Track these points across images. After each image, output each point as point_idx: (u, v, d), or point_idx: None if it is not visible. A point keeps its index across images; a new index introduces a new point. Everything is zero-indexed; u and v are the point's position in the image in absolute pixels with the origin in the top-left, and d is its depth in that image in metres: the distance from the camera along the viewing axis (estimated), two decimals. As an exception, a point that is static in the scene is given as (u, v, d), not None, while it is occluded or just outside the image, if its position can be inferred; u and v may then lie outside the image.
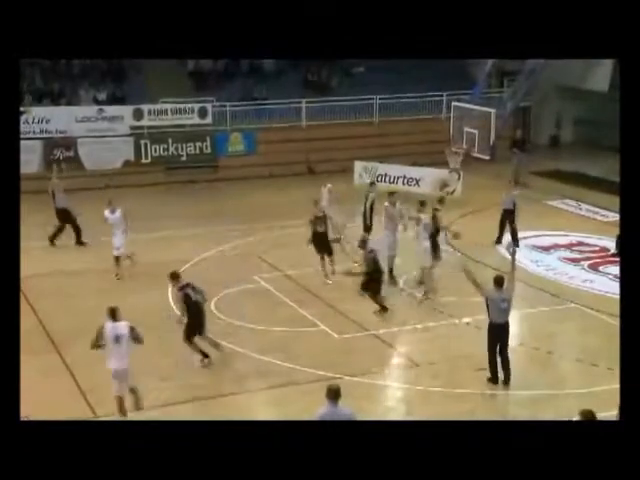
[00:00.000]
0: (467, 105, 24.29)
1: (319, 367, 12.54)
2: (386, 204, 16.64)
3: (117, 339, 10.59)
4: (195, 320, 12.65)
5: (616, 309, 14.67)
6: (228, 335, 13.71)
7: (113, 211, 16.59)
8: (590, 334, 14.30)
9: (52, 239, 18.67)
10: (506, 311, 11.92)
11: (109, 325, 10.69)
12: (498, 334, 11.97)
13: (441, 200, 16.63)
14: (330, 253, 16.27)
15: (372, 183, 19.04)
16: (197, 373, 12.56)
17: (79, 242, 18.73)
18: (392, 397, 12.31)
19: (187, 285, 12.72)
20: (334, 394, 8.57)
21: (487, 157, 23.33)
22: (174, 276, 12.79)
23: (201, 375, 12.51)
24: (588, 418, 9.05)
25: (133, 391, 10.85)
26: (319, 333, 14.03)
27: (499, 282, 11.85)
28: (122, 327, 10.70)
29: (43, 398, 11.07)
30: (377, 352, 13.63)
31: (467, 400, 11.70)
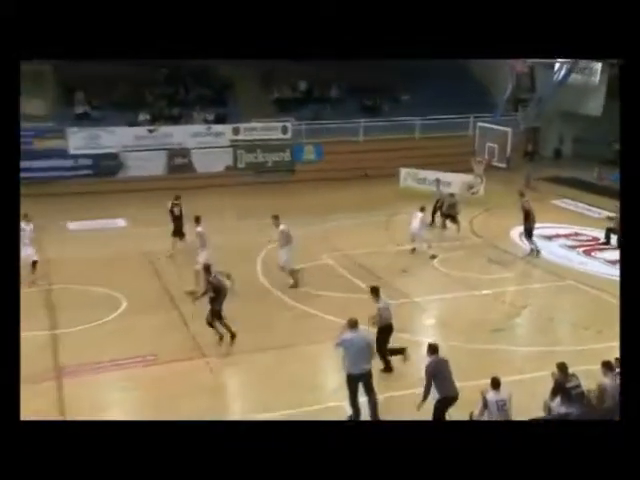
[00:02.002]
0: (489, 125, 23.90)
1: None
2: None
3: None
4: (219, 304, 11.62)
5: (604, 285, 14.56)
6: (301, 300, 13.80)
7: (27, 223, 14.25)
8: (583, 305, 14.09)
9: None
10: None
11: None
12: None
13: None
14: None
15: (452, 194, 18.75)
16: (278, 328, 12.69)
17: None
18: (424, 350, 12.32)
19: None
20: (354, 323, 9.29)
21: (504, 166, 22.95)
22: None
23: (280, 330, 12.67)
24: (562, 369, 8.81)
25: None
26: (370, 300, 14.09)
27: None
28: None
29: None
30: (414, 314, 13.67)
31: (482, 354, 11.66)
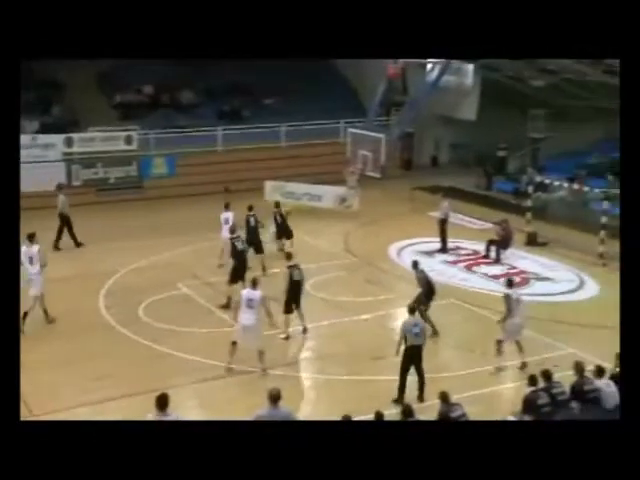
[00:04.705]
0: (361, 131, 24.69)
1: (237, 362, 12.55)
2: None
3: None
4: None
5: (487, 302, 15.42)
6: (155, 338, 13.54)
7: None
8: (467, 324, 14.81)
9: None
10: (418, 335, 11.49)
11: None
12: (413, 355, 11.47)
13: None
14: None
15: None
16: (130, 372, 12.38)
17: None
18: (302, 386, 12.42)
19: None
20: (275, 398, 8.60)
21: (378, 176, 23.74)
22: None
23: (133, 374, 12.33)
24: (444, 399, 9.03)
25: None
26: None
27: (412, 310, 11.85)
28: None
29: None
30: (289, 347, 13.73)
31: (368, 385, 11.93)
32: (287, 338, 13.80)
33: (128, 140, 24.90)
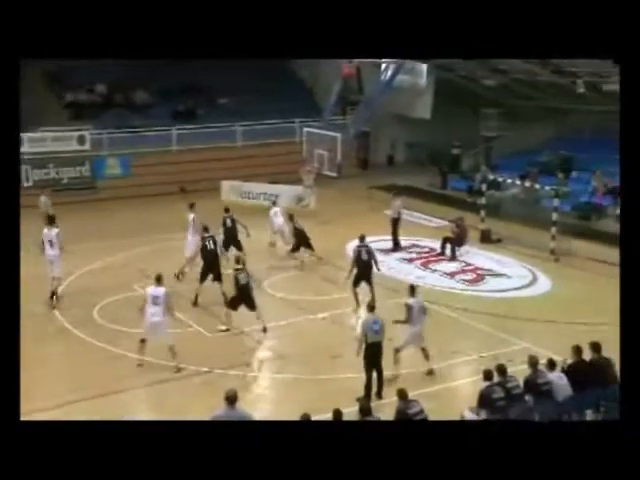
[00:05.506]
0: (317, 130, 24.75)
1: (195, 363, 12.46)
2: None
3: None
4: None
5: (442, 299, 15.61)
6: (110, 339, 13.36)
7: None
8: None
9: None
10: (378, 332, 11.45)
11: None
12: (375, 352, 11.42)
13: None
14: None
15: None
16: (87, 376, 12.19)
17: None
18: (261, 386, 12.40)
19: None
20: (232, 399, 8.48)
21: (335, 174, 23.86)
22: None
23: (88, 376, 12.15)
24: (402, 396, 9.08)
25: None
26: (193, 333, 13.94)
27: (371, 308, 11.97)
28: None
29: None
30: (248, 347, 13.69)
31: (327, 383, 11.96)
32: (227, 330, 13.93)
33: (81, 140, 24.51)
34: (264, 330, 13.91)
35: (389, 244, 19.55)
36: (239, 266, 13.96)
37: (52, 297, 14.96)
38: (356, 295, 15.18)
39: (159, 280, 12.47)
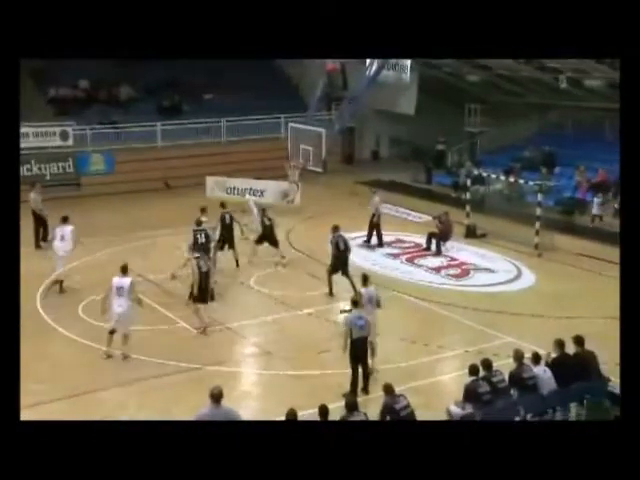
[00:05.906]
0: (302, 126, 24.71)
1: (181, 360, 12.42)
2: None
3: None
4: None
5: (428, 294, 15.68)
6: (95, 337, 13.28)
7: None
8: (409, 316, 15.01)
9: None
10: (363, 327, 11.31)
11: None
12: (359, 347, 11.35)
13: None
14: None
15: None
16: (71, 374, 12.11)
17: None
18: (247, 382, 12.39)
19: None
20: (217, 397, 8.36)
21: (320, 170, 23.84)
22: None
23: (75, 376, 12.08)
24: (388, 391, 9.09)
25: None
26: (179, 329, 13.89)
27: (355, 303, 11.65)
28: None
29: None
30: (234, 343, 13.66)
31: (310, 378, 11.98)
32: (205, 328, 13.60)
33: (64, 136, 24.30)
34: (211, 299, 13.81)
35: (374, 240, 19.58)
36: (197, 254, 13.84)
37: (60, 286, 15.44)
38: (331, 283, 15.48)
39: (124, 270, 12.48)
